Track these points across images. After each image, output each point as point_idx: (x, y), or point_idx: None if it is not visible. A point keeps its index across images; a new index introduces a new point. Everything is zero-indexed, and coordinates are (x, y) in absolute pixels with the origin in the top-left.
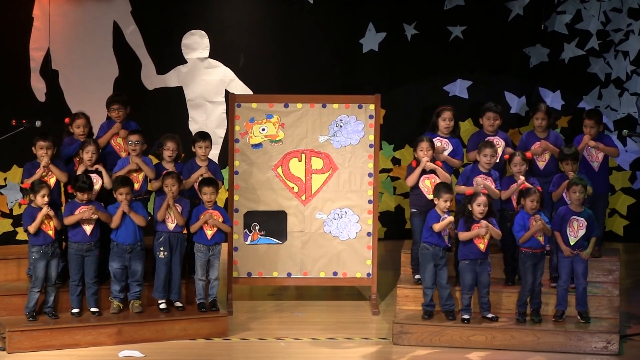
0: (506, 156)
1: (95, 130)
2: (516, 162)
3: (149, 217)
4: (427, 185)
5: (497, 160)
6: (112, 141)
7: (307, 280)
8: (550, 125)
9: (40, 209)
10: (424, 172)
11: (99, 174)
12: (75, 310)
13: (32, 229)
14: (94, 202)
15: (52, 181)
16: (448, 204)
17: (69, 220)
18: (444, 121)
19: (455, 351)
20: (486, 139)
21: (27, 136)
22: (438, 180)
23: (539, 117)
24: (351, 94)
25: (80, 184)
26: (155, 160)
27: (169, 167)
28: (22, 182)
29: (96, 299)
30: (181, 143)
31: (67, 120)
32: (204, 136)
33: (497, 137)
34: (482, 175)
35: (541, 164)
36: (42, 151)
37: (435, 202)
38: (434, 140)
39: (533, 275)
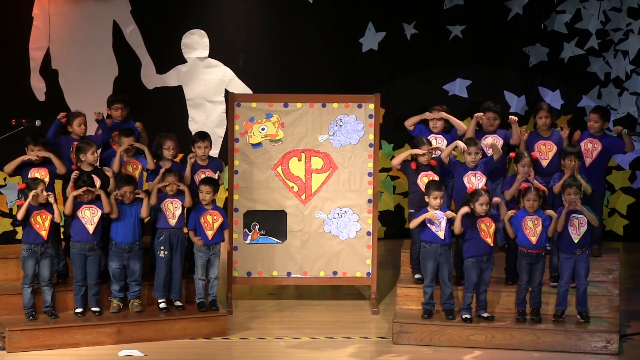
0: (512, 154)
1: (90, 130)
2: (525, 163)
3: (147, 218)
4: (424, 182)
5: (497, 158)
6: (114, 144)
7: (306, 280)
8: (552, 124)
9: (38, 206)
10: (422, 169)
11: (99, 174)
12: (78, 310)
13: (19, 214)
14: (97, 202)
15: (47, 180)
16: (439, 200)
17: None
18: (432, 120)
19: (454, 350)
20: (470, 137)
21: (27, 136)
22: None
23: (542, 116)
24: (351, 94)
25: (80, 182)
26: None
27: (168, 166)
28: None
29: (97, 298)
30: (177, 142)
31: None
32: (203, 136)
33: (495, 135)
34: (470, 172)
35: (544, 162)
36: (33, 153)
37: (426, 199)
38: (428, 138)
39: (528, 275)
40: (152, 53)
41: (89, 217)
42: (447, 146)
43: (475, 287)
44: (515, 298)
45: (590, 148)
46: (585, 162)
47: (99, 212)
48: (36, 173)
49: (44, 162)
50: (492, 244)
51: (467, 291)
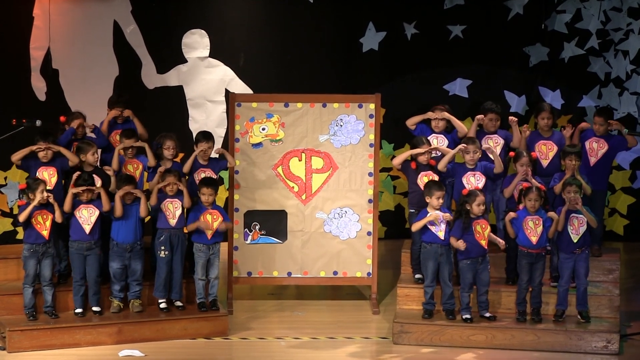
0: (512, 153)
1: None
2: (523, 162)
3: (147, 218)
4: (424, 182)
5: (497, 172)
6: (114, 141)
7: (307, 280)
8: (553, 124)
9: (39, 206)
10: (422, 169)
11: (100, 174)
12: (78, 311)
13: (21, 217)
14: (95, 201)
15: (53, 180)
16: (440, 201)
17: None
18: (434, 120)
19: (455, 350)
20: (469, 137)
21: (27, 135)
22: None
23: (544, 117)
24: (351, 93)
25: (81, 182)
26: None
27: (168, 166)
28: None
29: (98, 298)
30: (177, 142)
31: (62, 118)
32: (207, 136)
33: (496, 135)
34: (470, 172)
35: (544, 162)
36: (42, 153)
37: (427, 200)
38: (429, 138)
39: (528, 274)
40: (153, 53)
41: (86, 216)
42: (446, 147)
43: (472, 287)
44: (515, 298)
45: (596, 147)
46: (589, 161)
47: (97, 212)
48: (45, 172)
49: (52, 161)
50: (486, 247)
51: (463, 291)
